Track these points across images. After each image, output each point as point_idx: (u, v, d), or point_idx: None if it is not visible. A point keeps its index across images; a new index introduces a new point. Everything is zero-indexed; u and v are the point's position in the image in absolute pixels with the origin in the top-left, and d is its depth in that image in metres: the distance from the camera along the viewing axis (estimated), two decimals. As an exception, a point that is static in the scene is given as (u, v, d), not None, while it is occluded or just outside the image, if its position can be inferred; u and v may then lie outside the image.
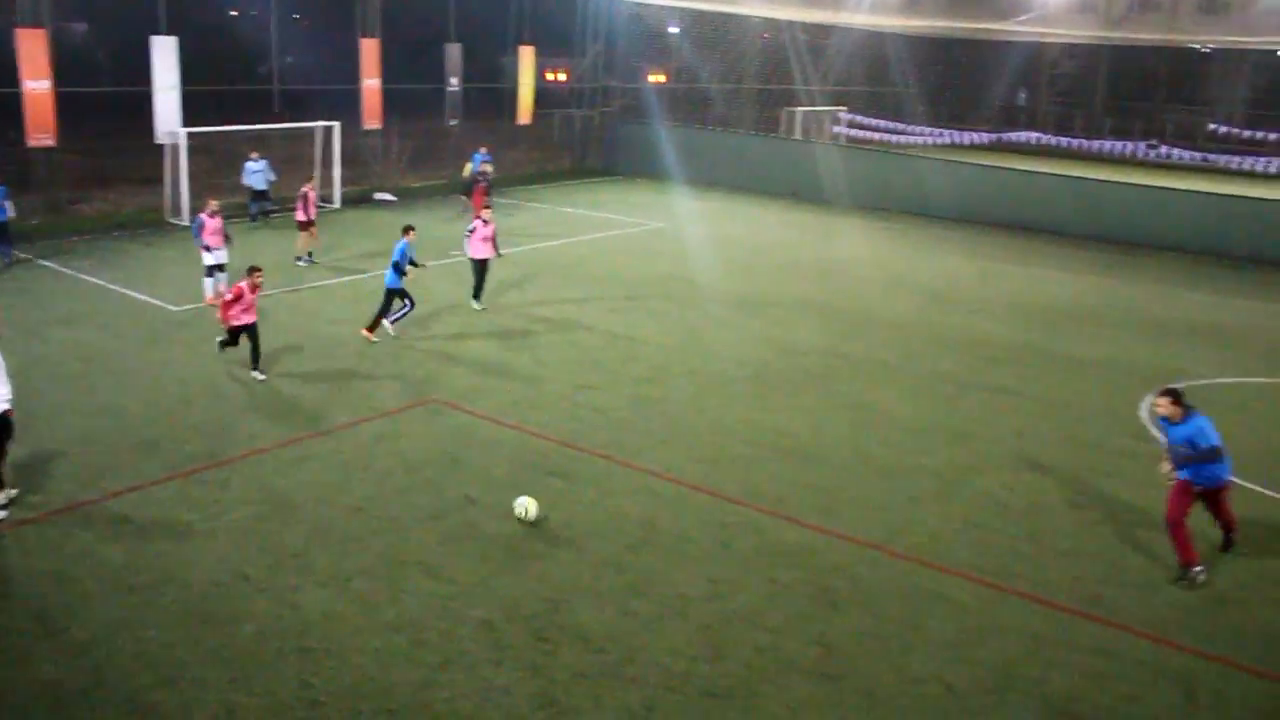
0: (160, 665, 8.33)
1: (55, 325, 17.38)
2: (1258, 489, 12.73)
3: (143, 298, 19.21)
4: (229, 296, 14.84)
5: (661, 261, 24.52)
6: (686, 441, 13.48)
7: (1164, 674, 8.87)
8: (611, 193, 35.83)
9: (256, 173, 26.61)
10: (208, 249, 18.73)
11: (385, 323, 17.16)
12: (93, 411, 13.61)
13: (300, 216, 22.15)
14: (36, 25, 24.59)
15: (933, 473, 12.86)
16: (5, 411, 10.70)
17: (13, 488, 11.03)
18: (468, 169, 29.79)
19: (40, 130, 24.92)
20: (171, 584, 9.55)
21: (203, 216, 18.81)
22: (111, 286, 19.97)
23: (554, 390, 15.13)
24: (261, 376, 14.92)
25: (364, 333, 17.08)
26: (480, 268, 19.22)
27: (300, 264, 22.22)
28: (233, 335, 15.06)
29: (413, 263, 17.22)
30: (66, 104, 26.11)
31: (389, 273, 17.09)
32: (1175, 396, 10.44)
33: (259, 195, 26.88)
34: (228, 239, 19.06)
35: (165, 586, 9.50)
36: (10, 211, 21.40)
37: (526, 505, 10.91)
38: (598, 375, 15.89)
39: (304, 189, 22.56)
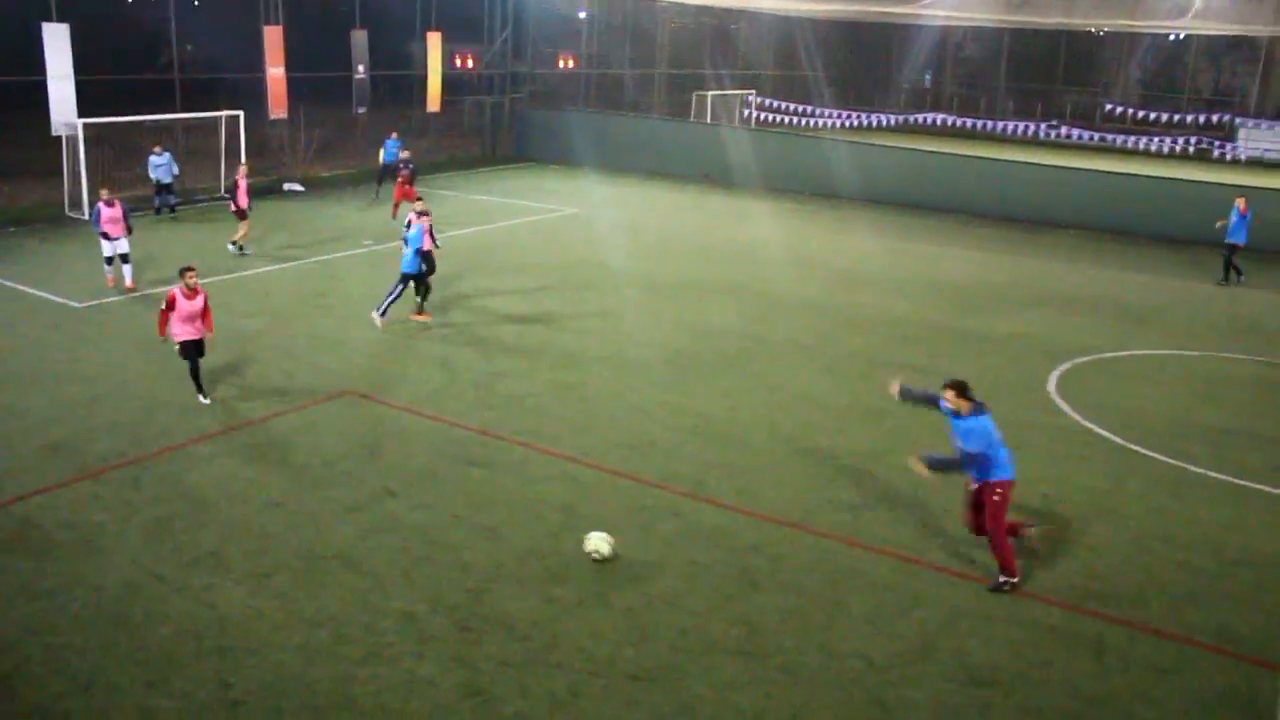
0: (72, 672, 8.11)
1: (-50, 325, 16.80)
2: (1160, 457, 13.16)
3: (43, 295, 18.62)
4: (163, 305, 13.44)
5: (576, 248, 24.48)
6: (605, 426, 13.51)
7: (1075, 639, 9.14)
8: (524, 180, 35.64)
9: (160, 166, 25.97)
10: (106, 237, 18.39)
11: (373, 315, 17.14)
12: (-7, 413, 13.20)
13: (237, 205, 22.06)
14: (-81, 13, 23.67)
15: (849, 451, 13.06)
16: None
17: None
18: (382, 156, 29.38)
19: (-73, 123, 24.00)
20: (82, 587, 9.30)
21: (99, 205, 18.45)
22: (10, 284, 19.31)
23: (470, 378, 15.04)
24: (205, 401, 13.76)
25: (415, 318, 17.37)
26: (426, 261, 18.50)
27: (231, 249, 22.09)
28: (184, 352, 13.64)
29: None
30: (-46, 95, 25.19)
31: (410, 258, 17.01)
32: (960, 389, 9.71)
33: (163, 189, 26.25)
34: (129, 229, 18.63)
35: (75, 590, 9.25)
36: None
37: (600, 543, 10.01)
38: (514, 362, 15.82)
39: (237, 176, 22.47)
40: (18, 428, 12.75)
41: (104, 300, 18.26)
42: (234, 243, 22.17)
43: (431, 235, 17.83)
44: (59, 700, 7.79)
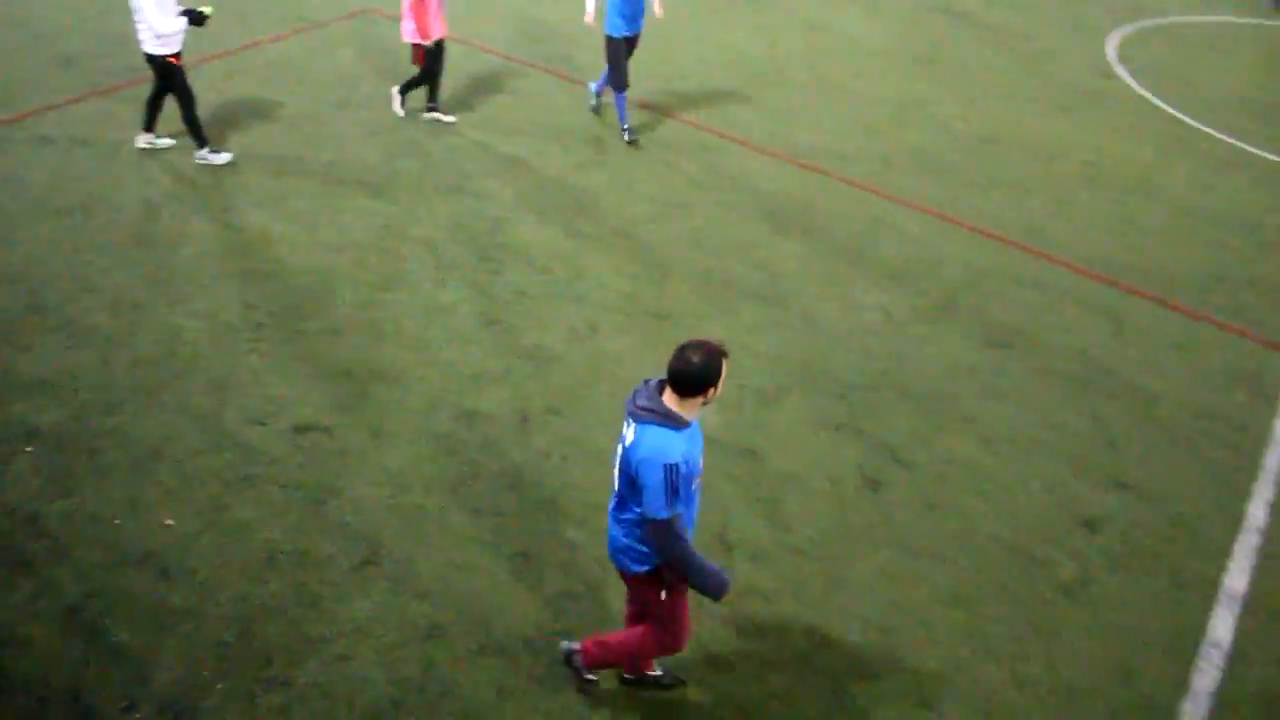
0: (98, 289, 8.08)
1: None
2: (1214, 133, 12.60)
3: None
4: None
5: None
6: (664, 66, 12.87)
7: (1097, 309, 9.07)
8: None
9: None
10: None
11: None
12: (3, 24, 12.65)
13: None
14: None
15: (888, 100, 12.52)
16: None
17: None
18: None
19: None
20: (102, 205, 9.17)
21: None
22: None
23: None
24: (450, 119, 11.26)
25: None
26: None
27: None
28: (425, 58, 10.76)
29: None
30: None
31: None
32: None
33: None
34: None
35: (95, 208, 9.13)
36: None
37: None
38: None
39: None
40: (26, 39, 12.22)
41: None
42: None
43: None
44: (87, 315, 7.76)
